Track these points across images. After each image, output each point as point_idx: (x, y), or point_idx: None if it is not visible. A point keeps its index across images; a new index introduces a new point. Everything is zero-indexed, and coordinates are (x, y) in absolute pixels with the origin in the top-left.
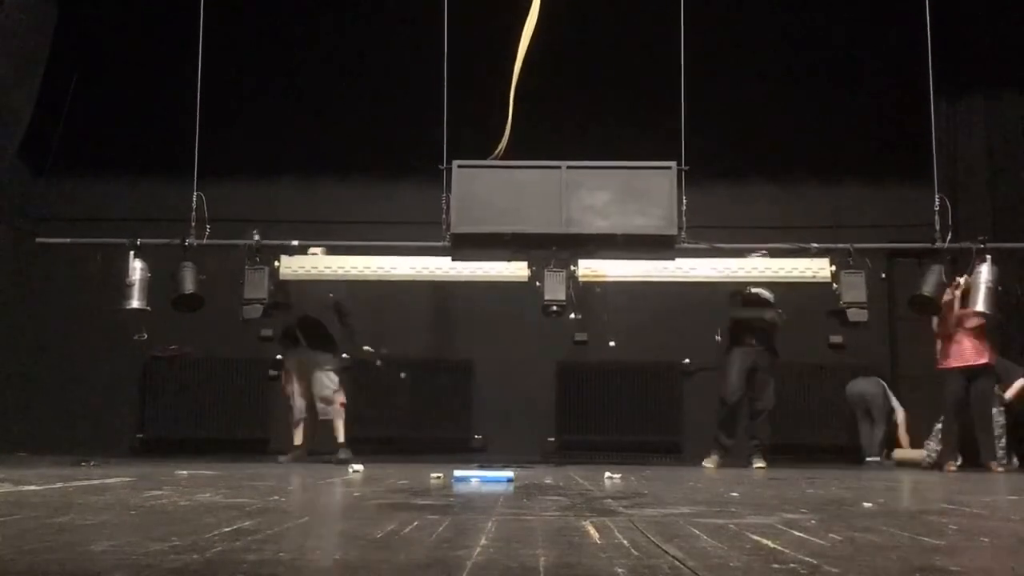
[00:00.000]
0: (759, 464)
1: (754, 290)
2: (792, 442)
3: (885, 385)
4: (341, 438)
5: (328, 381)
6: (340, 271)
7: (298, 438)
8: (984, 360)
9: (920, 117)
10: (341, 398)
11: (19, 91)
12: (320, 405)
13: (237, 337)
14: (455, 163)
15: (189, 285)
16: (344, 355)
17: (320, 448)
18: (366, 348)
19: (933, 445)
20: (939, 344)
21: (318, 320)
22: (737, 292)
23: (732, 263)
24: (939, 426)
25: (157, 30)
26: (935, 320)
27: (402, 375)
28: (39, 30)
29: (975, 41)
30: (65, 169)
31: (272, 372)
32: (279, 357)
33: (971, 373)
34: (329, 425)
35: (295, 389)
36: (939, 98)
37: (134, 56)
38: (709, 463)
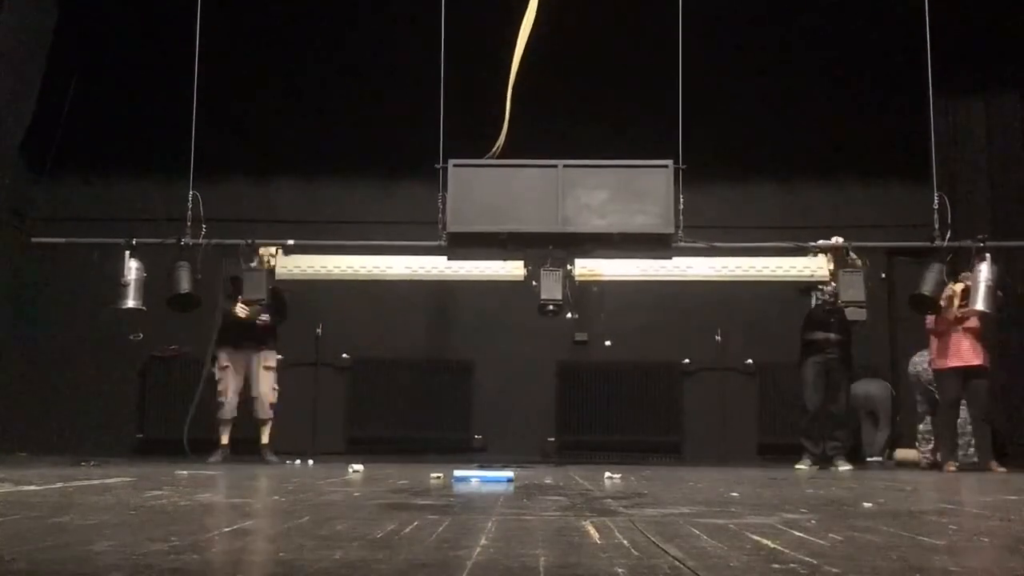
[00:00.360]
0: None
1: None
2: (792, 442)
3: (891, 388)
4: (267, 439)
5: (272, 380)
6: (337, 271)
7: (225, 437)
8: (979, 361)
9: (919, 117)
10: (275, 398)
11: (19, 91)
12: (261, 404)
13: None
14: (451, 162)
15: (184, 285)
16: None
17: (287, 448)
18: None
19: (926, 447)
20: (935, 343)
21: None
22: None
23: (730, 262)
24: (922, 427)
25: (156, 30)
26: (931, 318)
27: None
28: (39, 30)
29: (975, 41)
30: (64, 169)
31: (212, 370)
32: (217, 353)
33: (967, 373)
34: (270, 423)
35: (229, 386)
36: (939, 97)
37: (133, 56)
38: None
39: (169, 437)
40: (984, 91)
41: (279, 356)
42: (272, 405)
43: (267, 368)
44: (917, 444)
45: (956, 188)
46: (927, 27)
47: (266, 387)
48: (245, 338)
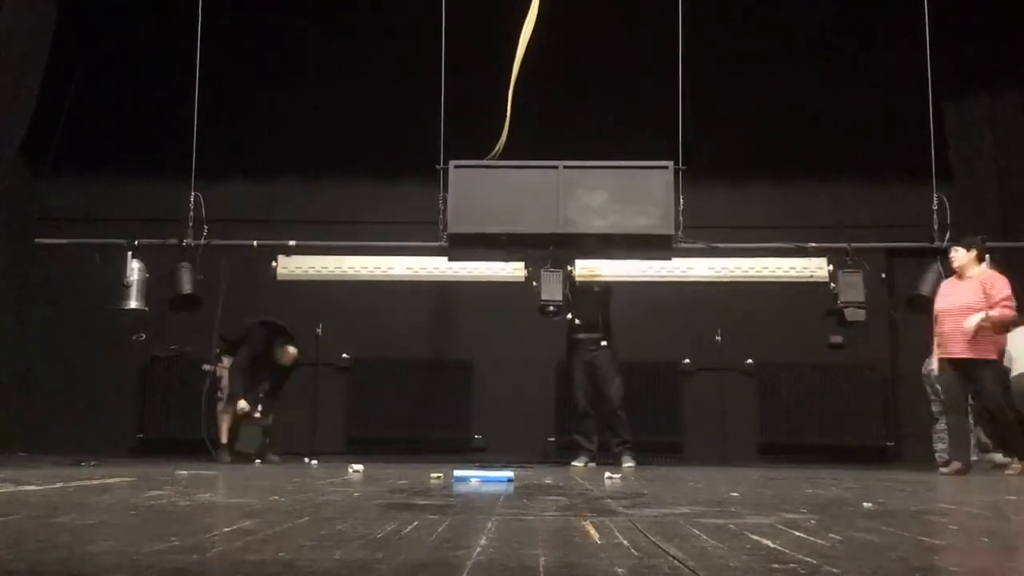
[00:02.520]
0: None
1: None
2: (792, 442)
3: None
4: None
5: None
6: (337, 271)
7: (225, 436)
8: (970, 355)
9: (920, 116)
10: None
11: (19, 91)
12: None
13: None
14: (452, 163)
15: (187, 286)
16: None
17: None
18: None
19: (942, 447)
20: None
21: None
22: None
23: (730, 263)
24: (939, 425)
25: (156, 30)
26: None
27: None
28: (39, 30)
29: (976, 40)
30: (64, 169)
31: (206, 367)
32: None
33: (963, 367)
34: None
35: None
36: (940, 97)
37: (134, 56)
38: None
39: (169, 437)
40: (986, 91)
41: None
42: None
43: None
44: (934, 445)
45: (957, 188)
46: (927, 27)
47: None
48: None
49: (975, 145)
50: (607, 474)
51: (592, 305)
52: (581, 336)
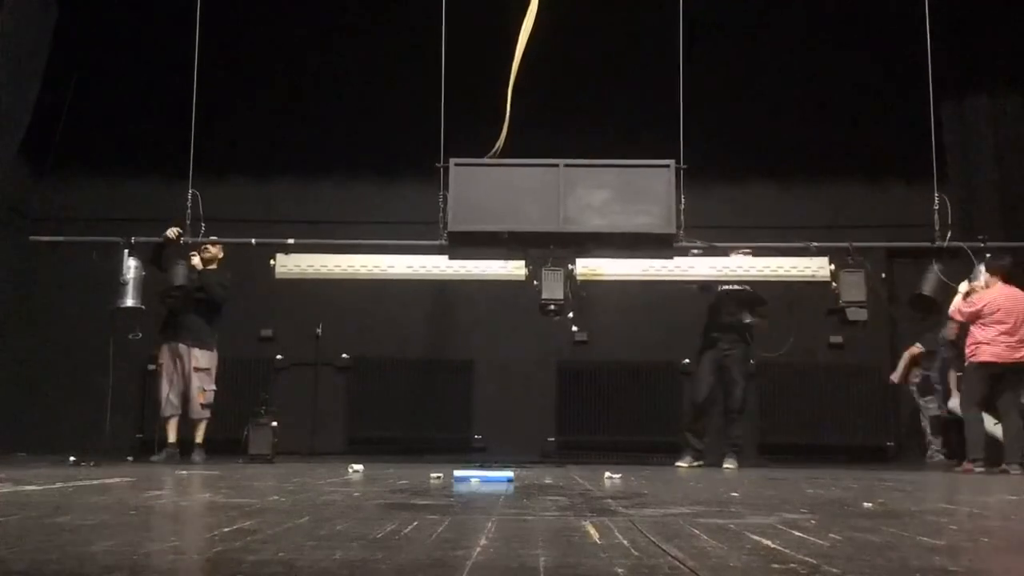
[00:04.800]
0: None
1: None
2: (792, 442)
3: None
4: (201, 439)
5: (209, 379)
6: (337, 270)
7: (173, 434)
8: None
9: (921, 116)
10: (208, 399)
11: (19, 91)
12: (200, 404)
13: (237, 337)
14: (452, 161)
15: (180, 279)
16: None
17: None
18: None
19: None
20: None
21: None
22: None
23: (731, 262)
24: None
25: (155, 30)
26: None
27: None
28: (39, 30)
29: (978, 40)
30: (64, 169)
31: (152, 367)
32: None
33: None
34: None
35: (166, 384)
36: (941, 97)
37: (133, 56)
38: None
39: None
40: (987, 90)
41: (214, 353)
42: (204, 406)
43: (197, 369)
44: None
45: (957, 188)
46: (927, 26)
47: (194, 388)
48: (180, 334)
49: (975, 145)
50: (607, 474)
51: (735, 308)
52: (717, 335)
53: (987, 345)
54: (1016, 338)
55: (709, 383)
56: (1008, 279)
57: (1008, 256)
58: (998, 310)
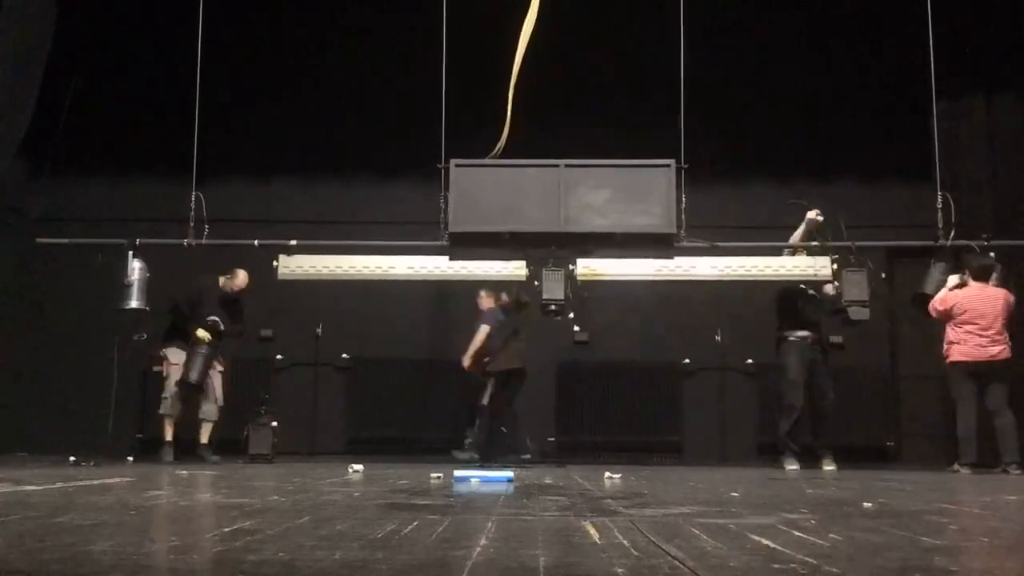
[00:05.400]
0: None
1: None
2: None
3: None
4: (206, 439)
5: (221, 380)
6: (339, 271)
7: (170, 434)
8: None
9: (921, 116)
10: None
11: (19, 91)
12: (211, 406)
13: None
14: (453, 162)
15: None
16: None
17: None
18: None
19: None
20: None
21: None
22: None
23: (732, 262)
24: None
25: (157, 30)
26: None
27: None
28: (39, 30)
29: (977, 40)
30: (64, 169)
31: (156, 368)
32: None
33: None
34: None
35: (173, 386)
36: (940, 96)
37: (134, 56)
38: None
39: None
40: (986, 90)
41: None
42: (218, 404)
43: (220, 372)
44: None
45: (957, 187)
46: (930, 26)
47: (218, 390)
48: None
49: (974, 145)
50: (607, 474)
51: (815, 306)
52: (803, 334)
53: (957, 344)
54: (988, 336)
55: (803, 384)
56: (981, 278)
57: (990, 256)
58: (967, 310)
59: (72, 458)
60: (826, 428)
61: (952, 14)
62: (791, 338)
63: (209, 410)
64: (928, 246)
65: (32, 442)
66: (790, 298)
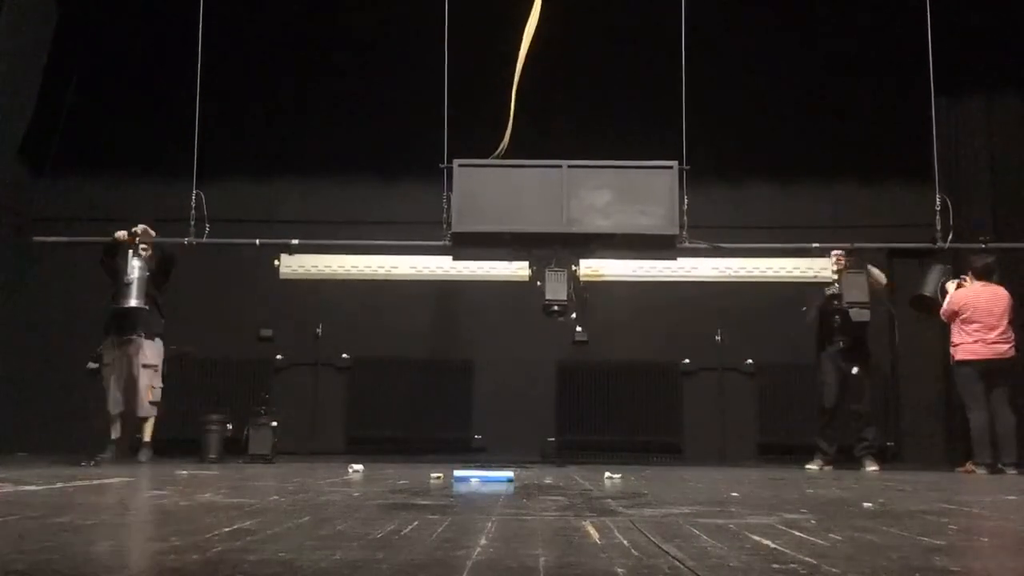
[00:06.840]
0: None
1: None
2: (792, 442)
3: None
4: (148, 437)
5: (157, 376)
6: (340, 270)
7: (116, 432)
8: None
9: (921, 116)
10: (156, 396)
11: (19, 91)
12: (148, 401)
13: (238, 337)
14: (456, 162)
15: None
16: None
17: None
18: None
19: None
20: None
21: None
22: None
23: (734, 263)
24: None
25: (157, 30)
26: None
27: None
28: (39, 30)
29: (977, 40)
30: (64, 169)
31: (92, 365)
32: (100, 349)
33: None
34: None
35: (112, 383)
36: (940, 97)
37: (134, 56)
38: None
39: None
40: (986, 91)
41: (160, 347)
42: (153, 403)
43: (145, 366)
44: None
45: (957, 189)
46: (929, 26)
47: (142, 386)
48: (128, 326)
49: (973, 146)
50: (607, 474)
51: (845, 317)
52: (837, 337)
53: (962, 344)
54: (994, 335)
55: (836, 386)
56: (982, 277)
57: (990, 256)
58: (972, 309)
59: (83, 463)
60: (865, 429)
61: (952, 14)
62: (825, 346)
63: (141, 406)
64: (927, 248)
65: (32, 442)
66: (826, 312)
